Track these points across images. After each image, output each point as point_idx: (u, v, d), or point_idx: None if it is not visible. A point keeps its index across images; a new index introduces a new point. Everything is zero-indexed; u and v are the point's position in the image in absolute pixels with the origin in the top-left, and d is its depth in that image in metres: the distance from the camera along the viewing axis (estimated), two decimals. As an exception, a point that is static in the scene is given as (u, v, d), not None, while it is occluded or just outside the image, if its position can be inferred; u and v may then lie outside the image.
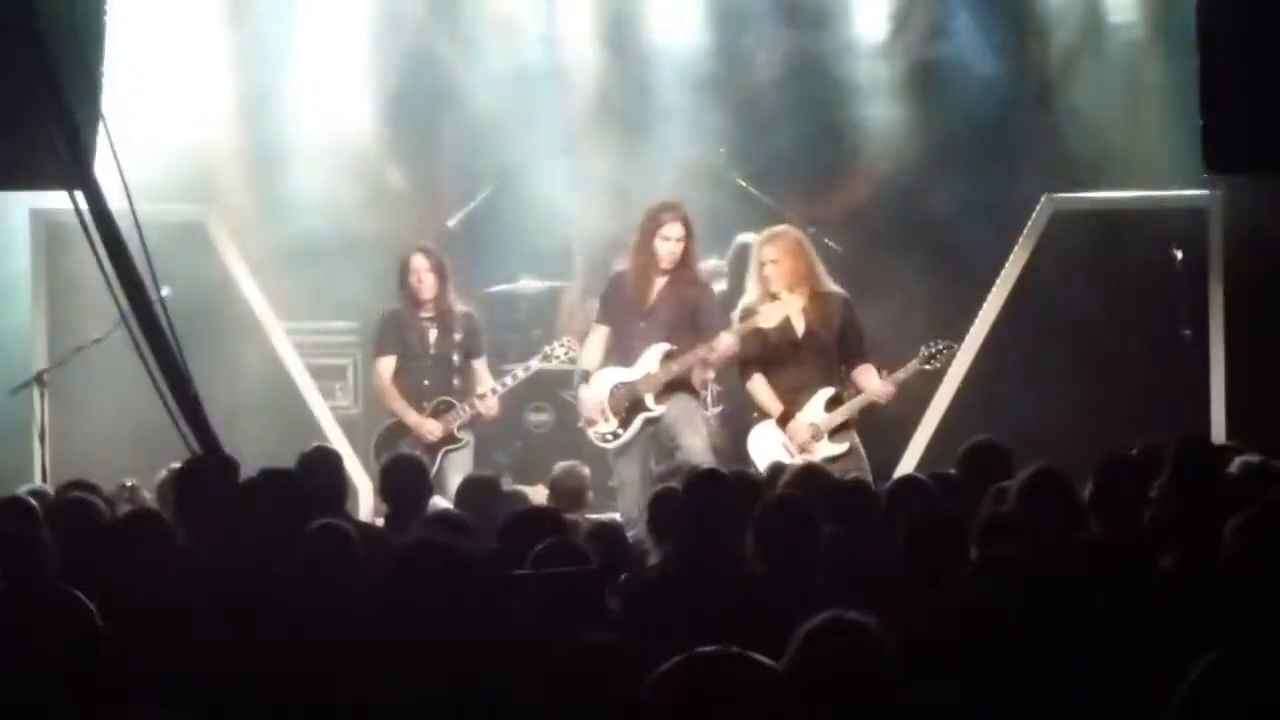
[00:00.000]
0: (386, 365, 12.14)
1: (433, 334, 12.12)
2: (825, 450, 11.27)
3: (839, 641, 4.52)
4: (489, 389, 11.99)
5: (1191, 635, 5.62)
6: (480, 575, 5.97)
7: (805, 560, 6.93)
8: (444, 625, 5.58)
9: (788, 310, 11.25)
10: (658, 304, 11.57)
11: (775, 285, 11.35)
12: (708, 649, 3.93)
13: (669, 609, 6.41)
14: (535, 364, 12.07)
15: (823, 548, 7.04)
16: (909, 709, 4.65)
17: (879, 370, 11.54)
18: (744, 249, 12.96)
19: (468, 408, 11.98)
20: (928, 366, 11.61)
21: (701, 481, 8.03)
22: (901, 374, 11.51)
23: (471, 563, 6.01)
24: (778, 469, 9.76)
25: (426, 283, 12.02)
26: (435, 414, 11.99)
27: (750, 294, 11.50)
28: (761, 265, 11.44)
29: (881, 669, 4.54)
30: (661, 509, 8.15)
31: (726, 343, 11.33)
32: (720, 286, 12.84)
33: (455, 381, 12.12)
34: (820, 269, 11.58)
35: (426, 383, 12.09)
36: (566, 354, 11.92)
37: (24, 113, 8.98)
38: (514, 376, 12.09)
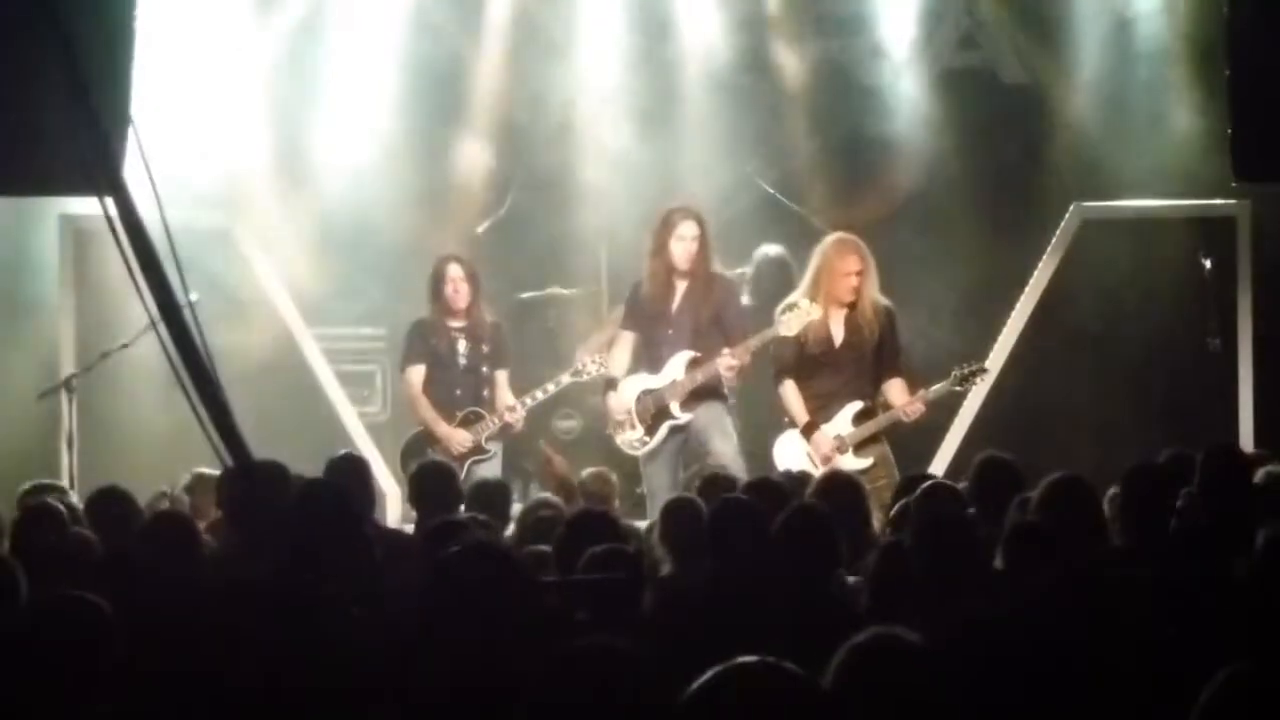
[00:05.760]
0: (416, 374, 12.09)
1: (462, 344, 12.06)
2: (849, 464, 11.09)
3: (887, 661, 4.40)
4: (519, 402, 11.92)
5: (1216, 645, 5.60)
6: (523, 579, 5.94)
7: (826, 569, 6.91)
8: (484, 631, 5.55)
9: (809, 318, 11.18)
10: (681, 310, 11.56)
11: (853, 295, 11.27)
12: (747, 660, 3.87)
13: (690, 618, 6.37)
14: (566, 379, 11.93)
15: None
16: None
17: (910, 385, 11.44)
18: (766, 259, 12.94)
19: (497, 420, 11.95)
20: (959, 388, 11.48)
21: (720, 492, 7.98)
22: (932, 393, 11.35)
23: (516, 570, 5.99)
24: (799, 478, 9.68)
25: (462, 292, 11.99)
26: (464, 424, 11.96)
27: (798, 295, 11.36)
28: (836, 273, 11.30)
29: (928, 690, 4.42)
30: (676, 519, 7.92)
31: (727, 363, 11.30)
32: (744, 298, 12.72)
33: (485, 392, 12.07)
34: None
35: (458, 392, 12.04)
36: (598, 369, 11.78)
37: (53, 118, 8.99)
38: (545, 390, 12.00)
